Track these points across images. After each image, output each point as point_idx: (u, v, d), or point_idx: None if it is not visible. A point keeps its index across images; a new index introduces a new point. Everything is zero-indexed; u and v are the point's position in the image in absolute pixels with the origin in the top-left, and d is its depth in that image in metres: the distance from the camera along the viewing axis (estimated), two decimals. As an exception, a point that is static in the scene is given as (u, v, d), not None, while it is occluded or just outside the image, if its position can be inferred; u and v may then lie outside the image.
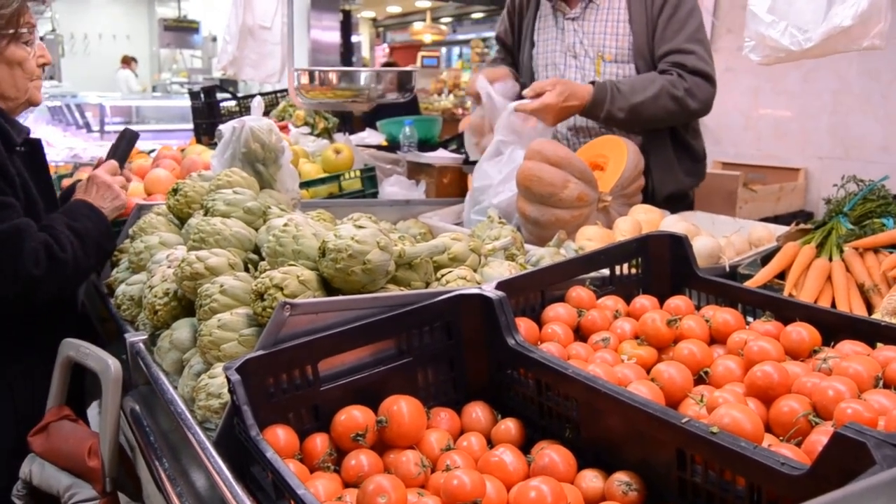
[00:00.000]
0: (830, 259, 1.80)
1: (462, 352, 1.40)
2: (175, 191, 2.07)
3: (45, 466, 1.76)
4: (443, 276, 1.60)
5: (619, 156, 2.45)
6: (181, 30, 15.25)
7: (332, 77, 2.95)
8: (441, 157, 3.29)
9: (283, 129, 3.38)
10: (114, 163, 2.31)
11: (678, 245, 1.65)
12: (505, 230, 1.97)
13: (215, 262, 1.60)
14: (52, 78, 11.78)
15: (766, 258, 1.94)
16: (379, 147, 4.13)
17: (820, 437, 1.04)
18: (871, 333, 1.32)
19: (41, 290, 1.82)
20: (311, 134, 3.56)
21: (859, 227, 1.86)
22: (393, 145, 4.25)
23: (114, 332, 2.08)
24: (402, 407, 1.24)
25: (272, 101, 4.17)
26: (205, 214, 1.87)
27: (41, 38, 2.05)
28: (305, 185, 2.76)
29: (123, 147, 2.41)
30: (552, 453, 1.16)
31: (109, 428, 1.63)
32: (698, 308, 1.57)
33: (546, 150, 2.26)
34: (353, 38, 14.07)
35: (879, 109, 4.55)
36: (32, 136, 2.07)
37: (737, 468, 0.96)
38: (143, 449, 1.59)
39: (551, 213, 2.23)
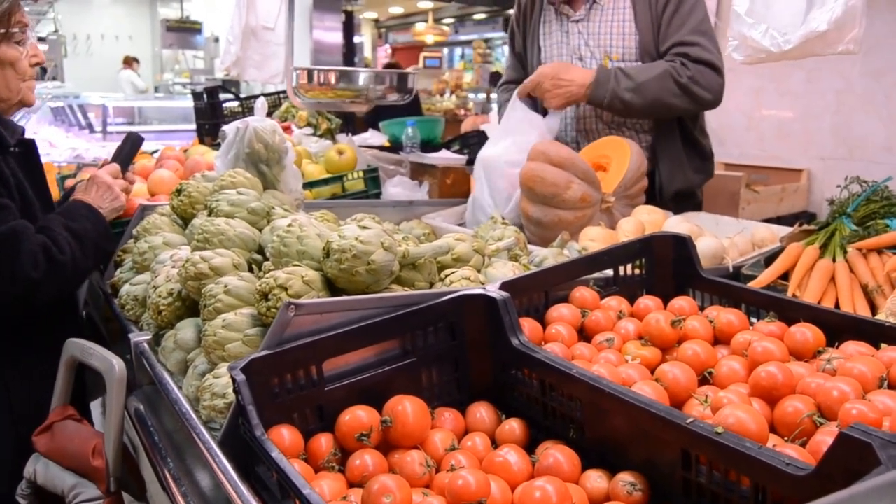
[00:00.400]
0: (834, 260, 1.80)
1: (466, 352, 1.40)
2: (179, 191, 2.08)
3: (50, 466, 1.76)
4: (446, 276, 1.61)
5: (622, 157, 2.45)
6: (183, 30, 15.25)
7: (332, 77, 2.96)
8: (444, 157, 3.30)
9: (287, 129, 3.38)
10: (115, 166, 2.32)
11: (682, 246, 1.66)
12: (508, 231, 1.98)
13: (219, 263, 1.60)
14: (54, 79, 11.78)
15: (770, 259, 1.94)
16: (382, 148, 4.13)
17: (825, 438, 1.04)
18: (875, 334, 1.33)
19: (40, 293, 1.81)
20: (313, 135, 3.56)
21: (863, 227, 1.86)
22: (396, 146, 4.25)
23: (118, 332, 2.08)
24: (406, 407, 1.24)
25: (275, 101, 4.17)
26: (209, 215, 1.87)
27: (43, 39, 2.05)
28: (308, 185, 2.76)
29: (127, 151, 2.42)
30: (556, 453, 1.16)
31: (114, 428, 1.64)
32: (702, 309, 1.57)
33: (549, 150, 2.26)
34: (356, 39, 14.09)
35: (883, 110, 4.54)
36: (31, 136, 2.07)
37: (742, 468, 0.96)
38: (147, 449, 1.59)
39: (554, 214, 2.23)
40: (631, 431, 1.13)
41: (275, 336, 1.26)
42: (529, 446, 1.26)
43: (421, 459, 1.18)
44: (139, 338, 1.77)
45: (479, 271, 1.68)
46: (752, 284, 1.79)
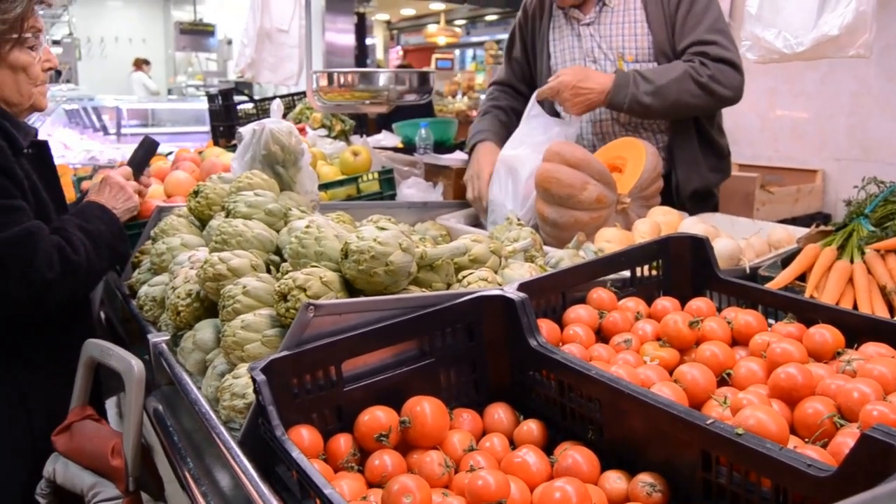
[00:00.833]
0: (852, 261, 1.80)
1: (484, 353, 1.40)
2: (196, 193, 2.09)
3: (69, 465, 1.78)
4: (464, 277, 1.61)
5: (637, 157, 2.45)
6: (197, 33, 15.30)
7: (351, 79, 2.96)
8: (458, 158, 3.29)
9: (301, 131, 3.39)
10: (127, 168, 2.33)
11: (699, 247, 1.65)
12: (524, 232, 1.98)
13: (238, 264, 1.61)
14: (68, 81, 11.87)
15: (787, 260, 1.93)
16: (395, 149, 4.14)
17: (846, 439, 1.03)
18: (894, 335, 1.32)
19: (53, 293, 1.82)
20: (328, 136, 3.57)
21: (880, 228, 1.85)
22: (409, 147, 4.25)
23: (135, 333, 2.09)
24: (425, 408, 1.25)
25: (289, 103, 4.19)
26: (226, 216, 1.88)
27: (58, 42, 2.05)
28: (324, 186, 2.77)
29: (142, 155, 2.43)
30: (575, 454, 1.17)
31: (133, 427, 1.65)
32: (719, 310, 1.57)
33: (565, 151, 2.26)
34: (368, 41, 14.13)
35: (898, 111, 4.53)
36: (46, 138, 2.08)
37: (763, 470, 0.96)
38: (166, 448, 1.60)
39: (570, 215, 2.23)
40: (650, 432, 1.13)
41: (294, 337, 1.27)
42: (547, 447, 1.26)
43: (440, 460, 1.18)
44: (158, 338, 1.78)
45: (495, 272, 1.68)
46: (769, 286, 1.79)
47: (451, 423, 1.31)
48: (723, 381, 1.32)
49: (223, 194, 2.05)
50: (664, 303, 1.57)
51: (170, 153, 3.58)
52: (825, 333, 1.33)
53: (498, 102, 3.12)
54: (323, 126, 3.65)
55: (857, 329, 1.36)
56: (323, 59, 6.78)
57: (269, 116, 2.99)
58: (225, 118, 4.27)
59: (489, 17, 15.57)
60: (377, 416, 1.24)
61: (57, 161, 2.18)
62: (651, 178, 2.43)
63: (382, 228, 1.47)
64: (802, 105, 5.05)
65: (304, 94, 4.07)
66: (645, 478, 1.11)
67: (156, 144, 2.47)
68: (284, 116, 3.80)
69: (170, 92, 15.88)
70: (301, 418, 1.24)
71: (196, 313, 1.70)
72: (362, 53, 12.02)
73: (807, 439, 1.10)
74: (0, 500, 1.91)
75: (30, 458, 1.89)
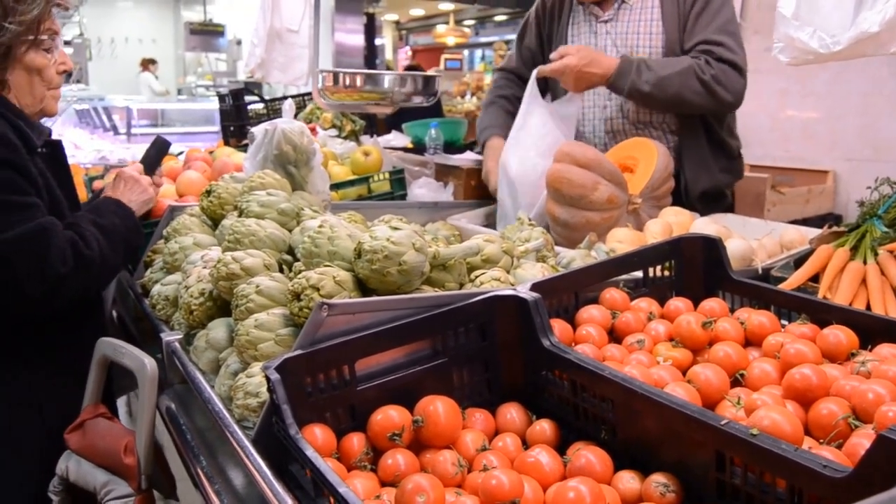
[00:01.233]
0: (865, 262, 1.79)
1: (497, 353, 1.40)
2: (209, 192, 2.10)
3: (82, 463, 1.78)
4: (476, 277, 1.61)
5: (648, 158, 2.45)
6: (206, 33, 15.34)
7: (357, 79, 2.97)
8: (469, 159, 3.29)
9: (312, 131, 3.39)
10: (139, 165, 2.34)
11: (712, 247, 1.65)
12: (535, 232, 1.98)
13: (251, 263, 1.62)
14: (79, 81, 11.92)
15: (799, 261, 1.92)
16: (405, 149, 4.14)
17: (861, 440, 1.03)
18: (909, 336, 1.32)
19: (67, 288, 1.82)
20: (338, 136, 3.58)
21: (894, 229, 1.84)
22: (419, 147, 4.25)
23: (148, 332, 2.10)
24: (438, 407, 1.25)
25: (300, 103, 4.19)
26: (239, 216, 1.88)
27: (69, 42, 2.05)
28: (335, 186, 2.77)
29: (154, 154, 2.44)
30: (588, 454, 1.17)
31: (145, 426, 1.65)
32: (732, 311, 1.57)
33: (575, 152, 2.26)
34: (377, 41, 14.13)
35: (911, 112, 4.50)
36: (56, 137, 2.08)
37: (777, 470, 0.96)
38: (179, 447, 1.61)
39: (581, 216, 2.23)
40: (663, 432, 1.13)
41: (308, 336, 1.27)
42: (560, 447, 1.26)
43: (453, 459, 1.18)
44: (171, 337, 1.79)
45: (508, 272, 1.68)
46: (782, 286, 1.79)
47: (464, 422, 1.31)
48: (736, 382, 1.31)
49: (235, 194, 2.05)
50: (677, 303, 1.57)
51: (180, 153, 3.59)
52: (839, 334, 1.32)
53: (503, 92, 3.13)
54: (333, 126, 3.65)
55: (870, 330, 1.35)
56: (332, 60, 6.79)
57: (279, 116, 3.01)
58: (236, 118, 4.28)
59: (498, 18, 15.57)
60: (390, 416, 1.25)
61: (68, 161, 2.19)
62: (662, 179, 2.43)
63: (395, 228, 1.47)
64: (813, 105, 5.03)
65: (308, 95, 4.08)
66: (658, 478, 1.11)
67: (168, 144, 2.48)
68: (295, 117, 3.81)
69: (179, 92, 15.92)
70: (314, 417, 1.24)
71: (209, 312, 1.70)
72: (371, 54, 12.03)
73: (821, 440, 1.10)
74: (16, 499, 1.92)
75: (44, 457, 1.90)
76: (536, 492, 1.10)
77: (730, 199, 2.89)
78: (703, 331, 1.42)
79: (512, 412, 1.36)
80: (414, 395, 1.29)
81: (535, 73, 2.62)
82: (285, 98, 4.19)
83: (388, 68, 15.93)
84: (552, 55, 2.63)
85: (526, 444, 1.29)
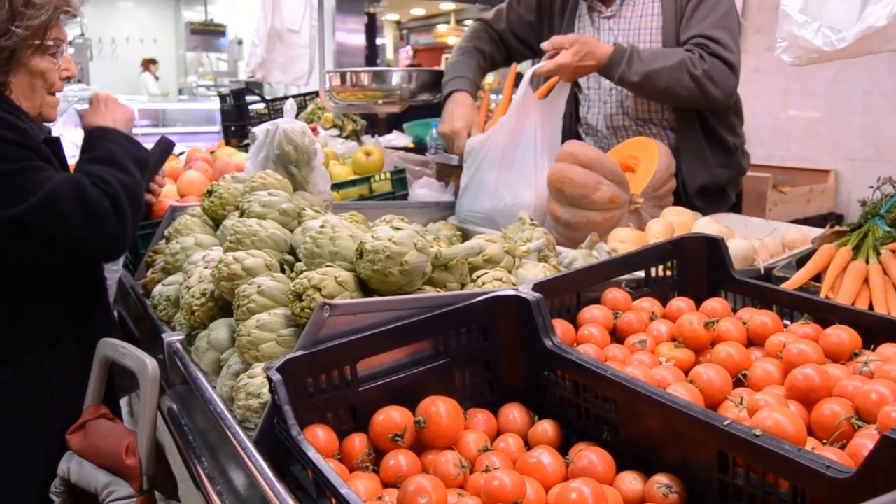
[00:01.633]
0: (867, 261, 1.79)
1: (498, 353, 1.40)
2: (210, 192, 2.09)
3: (83, 464, 1.78)
4: (478, 277, 1.61)
5: (650, 157, 2.44)
6: (207, 33, 15.34)
7: (364, 78, 2.97)
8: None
9: (313, 131, 3.40)
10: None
11: (714, 247, 1.65)
12: (537, 232, 1.97)
13: (252, 263, 1.62)
14: (80, 81, 11.91)
15: (801, 261, 1.92)
16: (406, 149, 4.14)
17: (864, 441, 1.03)
18: (912, 337, 1.31)
19: (110, 226, 1.83)
20: (339, 136, 3.58)
21: (896, 229, 1.84)
22: (420, 147, 4.26)
23: (149, 333, 2.10)
24: (439, 408, 1.25)
25: (301, 103, 4.19)
26: (240, 216, 1.88)
27: (70, 43, 2.04)
28: (336, 186, 2.77)
29: (158, 155, 2.43)
30: (591, 455, 1.17)
31: (147, 427, 1.65)
32: (735, 310, 1.57)
33: (577, 151, 2.25)
34: (378, 41, 14.14)
35: (912, 111, 4.50)
36: (56, 136, 2.08)
37: (780, 471, 0.95)
38: (181, 447, 1.61)
39: (583, 215, 2.22)
40: (666, 433, 1.13)
41: (310, 336, 1.27)
42: (562, 448, 1.25)
43: (455, 460, 1.18)
44: (172, 338, 1.79)
45: (509, 272, 1.68)
46: (784, 286, 1.78)
47: (466, 423, 1.31)
48: (738, 382, 1.31)
49: (237, 194, 2.05)
50: (679, 303, 1.57)
51: (181, 153, 3.59)
52: (842, 334, 1.32)
53: (481, 45, 3.02)
54: (334, 126, 3.65)
55: (873, 330, 1.35)
56: (333, 59, 6.79)
57: (280, 116, 3.00)
58: (237, 118, 4.29)
59: (499, 17, 15.53)
60: (392, 416, 1.24)
61: (69, 162, 2.17)
62: (664, 178, 2.42)
63: (397, 228, 1.47)
64: (814, 105, 5.03)
65: (315, 94, 4.08)
66: (661, 479, 1.11)
67: (172, 144, 2.47)
68: (296, 117, 3.81)
69: (180, 92, 15.93)
70: (316, 418, 1.24)
71: (210, 313, 1.70)
72: (372, 53, 12.05)
73: (824, 441, 1.10)
74: (18, 500, 1.92)
75: (46, 458, 1.89)
76: (538, 493, 1.10)
77: (733, 199, 2.88)
78: (706, 331, 1.42)
79: (514, 413, 1.35)
80: (416, 395, 1.29)
81: (528, 73, 2.58)
82: (286, 98, 4.20)
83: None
84: (544, 45, 2.59)
85: (528, 445, 1.29)
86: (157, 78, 15.85)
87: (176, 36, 17.39)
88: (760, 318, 1.45)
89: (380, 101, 2.97)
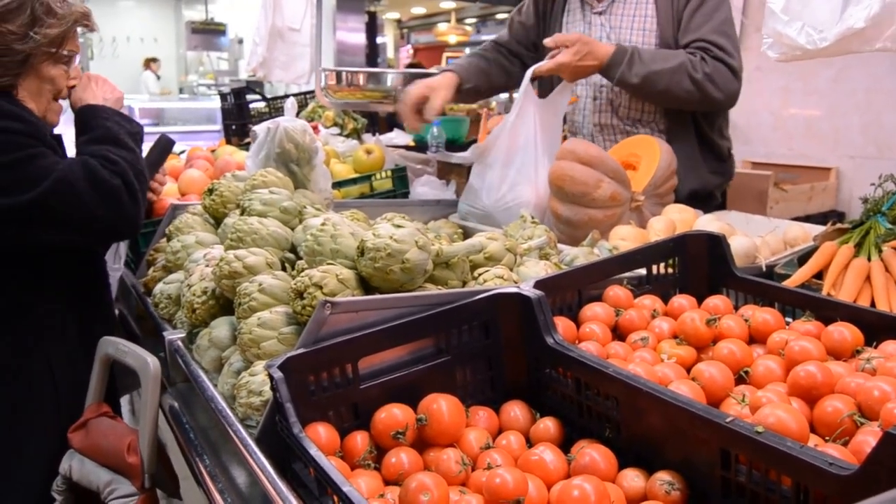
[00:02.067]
0: (869, 259, 1.78)
1: (500, 350, 1.40)
2: (211, 191, 2.09)
3: (85, 462, 1.78)
4: (479, 275, 1.61)
5: (651, 155, 2.44)
6: (208, 32, 15.37)
7: (360, 78, 2.97)
8: (471, 157, 3.29)
9: (314, 129, 3.40)
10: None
11: (716, 244, 1.65)
12: (538, 230, 1.97)
13: (253, 261, 1.62)
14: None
15: (803, 258, 1.92)
16: (407, 147, 4.14)
17: (866, 438, 1.03)
18: (914, 334, 1.31)
19: (124, 203, 1.85)
20: (340, 134, 3.58)
21: (898, 226, 1.84)
22: (421, 146, 4.25)
23: (150, 331, 2.10)
24: (441, 405, 1.25)
25: (301, 102, 4.19)
26: (241, 214, 1.88)
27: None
28: (337, 185, 2.77)
29: (157, 153, 2.43)
30: (593, 452, 1.16)
31: (148, 424, 1.65)
32: (736, 308, 1.56)
33: (578, 149, 2.25)
34: (378, 40, 14.14)
35: (913, 108, 4.50)
36: (58, 133, 2.08)
37: (783, 468, 0.95)
38: (182, 445, 1.61)
39: (584, 213, 2.22)
40: (668, 430, 1.12)
41: (311, 334, 1.27)
42: (564, 445, 1.25)
43: (457, 458, 1.18)
44: (173, 335, 1.79)
45: (511, 270, 1.68)
46: (786, 283, 1.78)
47: (468, 420, 1.31)
48: (740, 380, 1.31)
49: (238, 192, 2.05)
50: (681, 300, 1.57)
51: (182, 152, 3.59)
52: (844, 331, 1.32)
53: (487, 53, 3.06)
54: (335, 124, 3.65)
55: (875, 327, 1.35)
56: (334, 58, 6.78)
57: (281, 115, 3.00)
58: (237, 117, 4.29)
59: (500, 16, 15.52)
60: (394, 414, 1.24)
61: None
62: (665, 176, 2.42)
63: (398, 226, 1.47)
64: (816, 102, 5.03)
65: (311, 94, 4.09)
66: (663, 476, 1.11)
67: (172, 143, 2.47)
68: (297, 115, 3.81)
69: (181, 91, 15.94)
70: (318, 415, 1.24)
71: (212, 311, 1.70)
72: (373, 52, 12.04)
73: (827, 438, 1.09)
74: (20, 498, 1.92)
75: (48, 457, 1.89)
76: (540, 490, 1.10)
77: (719, 200, 2.87)
78: (708, 328, 1.41)
79: (515, 410, 1.35)
80: (417, 393, 1.29)
81: (529, 72, 2.57)
82: (287, 97, 4.20)
83: (390, 67, 15.94)
84: (547, 42, 2.59)
85: (530, 443, 1.29)
86: (158, 77, 15.85)
87: (176, 35, 17.40)
88: (762, 315, 1.44)
89: (375, 101, 2.97)
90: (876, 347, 1.30)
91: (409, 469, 1.18)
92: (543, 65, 2.56)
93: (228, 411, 1.42)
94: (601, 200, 2.21)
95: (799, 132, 5.12)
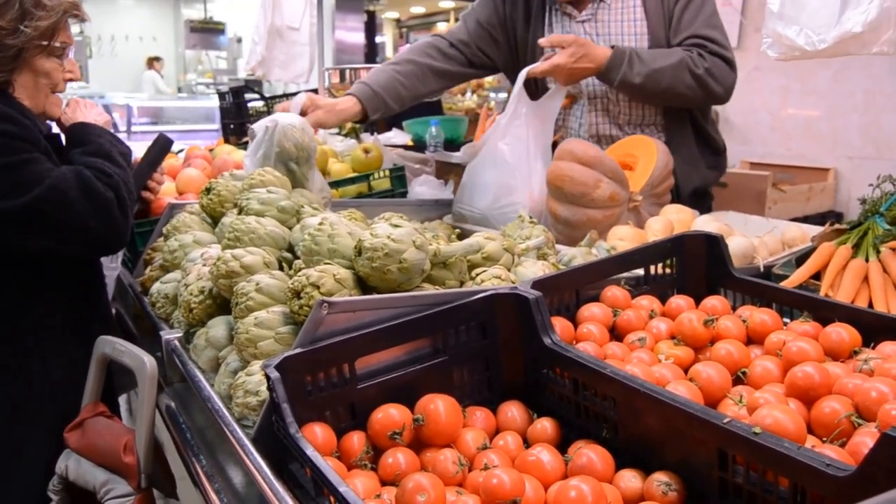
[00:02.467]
0: (867, 259, 1.78)
1: (497, 351, 1.40)
2: (208, 190, 2.09)
3: (81, 462, 1.78)
4: (477, 275, 1.61)
5: (648, 155, 2.44)
6: (207, 31, 15.35)
7: (362, 76, 2.96)
8: (465, 157, 3.29)
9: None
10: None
11: (714, 245, 1.64)
12: (536, 230, 1.97)
13: (250, 261, 1.61)
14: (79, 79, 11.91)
15: (801, 259, 1.92)
16: (406, 147, 4.13)
17: (864, 439, 1.02)
18: (912, 335, 1.31)
19: (114, 216, 1.86)
20: (338, 134, 3.57)
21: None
22: (419, 145, 4.25)
23: (147, 330, 2.10)
24: (438, 405, 1.25)
25: (300, 101, 4.18)
26: (239, 213, 1.88)
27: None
28: (335, 184, 2.76)
29: (156, 152, 2.43)
30: (590, 453, 1.16)
31: (145, 424, 1.65)
32: (734, 308, 1.56)
33: (577, 149, 2.25)
34: (377, 39, 14.13)
35: (912, 109, 4.50)
36: (56, 132, 2.09)
37: (780, 469, 0.95)
38: (179, 445, 1.61)
39: (583, 213, 2.22)
40: (665, 431, 1.12)
41: (308, 334, 1.27)
42: (561, 446, 1.25)
43: (454, 458, 1.18)
44: (170, 335, 1.78)
45: (508, 270, 1.67)
46: (784, 284, 1.78)
47: (465, 421, 1.31)
48: (738, 380, 1.31)
49: (235, 191, 2.04)
50: (678, 301, 1.56)
51: (180, 150, 3.58)
52: (841, 332, 1.32)
53: (420, 59, 2.87)
54: (334, 124, 3.64)
55: (873, 328, 1.35)
56: (333, 57, 6.78)
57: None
58: (236, 116, 4.28)
59: (499, 15, 15.53)
60: (391, 414, 1.24)
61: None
62: (662, 176, 2.42)
63: (396, 226, 1.47)
64: (814, 103, 5.03)
65: (314, 91, 4.07)
66: (660, 477, 1.10)
67: (170, 142, 2.47)
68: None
69: (180, 90, 15.93)
70: (314, 416, 1.23)
71: (209, 310, 1.70)
72: (372, 51, 12.04)
73: (824, 439, 1.09)
74: (16, 498, 1.91)
75: (45, 456, 1.89)
76: (537, 491, 1.10)
77: (712, 196, 2.87)
78: (705, 329, 1.41)
79: (513, 410, 1.35)
80: (414, 393, 1.29)
81: (523, 73, 2.54)
82: (285, 96, 4.19)
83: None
84: (542, 42, 2.55)
85: (527, 443, 1.29)
86: (162, 76, 15.84)
87: (175, 34, 17.38)
88: (760, 315, 1.44)
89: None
90: (874, 348, 1.30)
91: (406, 469, 1.18)
92: (538, 66, 2.53)
93: (225, 411, 1.41)
94: (600, 201, 2.21)
95: (797, 132, 5.12)
